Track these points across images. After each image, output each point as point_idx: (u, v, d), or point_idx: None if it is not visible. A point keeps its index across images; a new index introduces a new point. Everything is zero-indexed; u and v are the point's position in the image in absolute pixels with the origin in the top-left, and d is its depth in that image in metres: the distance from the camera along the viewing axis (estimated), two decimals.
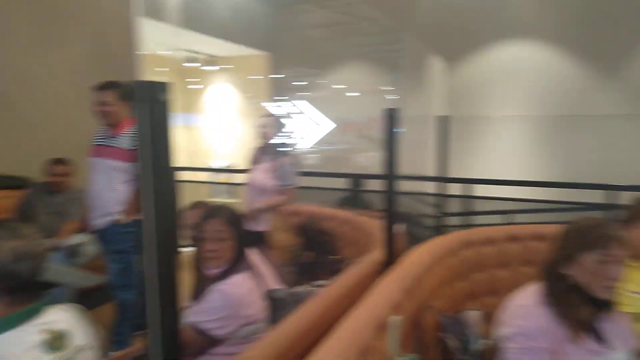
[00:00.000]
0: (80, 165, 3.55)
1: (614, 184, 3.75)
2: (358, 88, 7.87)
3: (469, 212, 3.81)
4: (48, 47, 4.09)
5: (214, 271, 1.66)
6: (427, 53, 6.81)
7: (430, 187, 3.10)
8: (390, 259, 1.58)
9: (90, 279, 2.71)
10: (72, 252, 2.95)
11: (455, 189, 4.07)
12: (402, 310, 1.36)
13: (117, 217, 2.64)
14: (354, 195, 4.20)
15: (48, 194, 3.42)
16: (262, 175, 2.95)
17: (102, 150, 2.71)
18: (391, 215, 1.55)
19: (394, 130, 1.49)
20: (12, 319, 0.97)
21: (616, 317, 1.37)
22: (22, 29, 3.88)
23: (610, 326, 1.35)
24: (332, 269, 2.47)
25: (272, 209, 2.90)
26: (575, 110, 5.87)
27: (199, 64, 7.74)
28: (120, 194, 2.65)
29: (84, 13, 4.44)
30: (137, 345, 1.96)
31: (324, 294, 1.35)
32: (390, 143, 1.49)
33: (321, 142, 8.01)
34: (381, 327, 1.19)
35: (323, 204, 3.51)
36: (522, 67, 6.03)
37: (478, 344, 1.36)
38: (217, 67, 7.90)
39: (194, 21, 5.75)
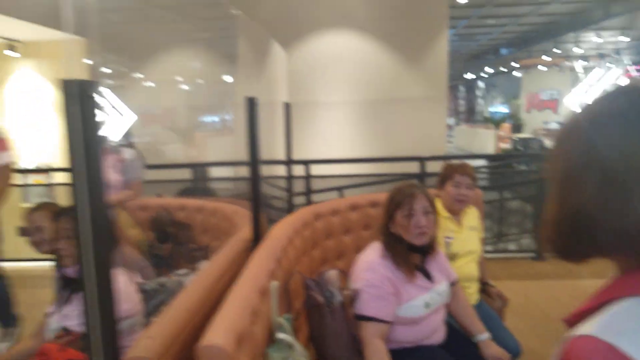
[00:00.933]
0: None
1: (423, 156, 4.48)
2: (187, 77, 7.67)
3: (312, 191, 4.16)
4: None
5: (70, 271, 1.60)
6: (264, 40, 6.92)
7: (279, 170, 3.31)
8: (257, 237, 1.73)
9: None
10: None
11: (299, 170, 4.39)
12: (276, 277, 1.53)
13: None
14: (195, 185, 4.22)
15: None
16: (106, 171, 2.79)
17: None
18: (257, 198, 1.69)
19: (254, 118, 1.63)
20: None
21: (437, 257, 1.77)
22: None
23: (433, 264, 1.74)
24: (192, 257, 2.52)
25: (118, 205, 2.78)
26: (390, 94, 6.74)
27: None
28: None
29: None
30: None
31: (204, 272, 1.44)
32: (252, 130, 1.63)
33: (128, 135, 7.62)
34: (263, 293, 1.34)
35: (163, 196, 3.47)
36: (347, 56, 6.65)
37: (339, 296, 1.61)
38: (17, 55, 6.86)
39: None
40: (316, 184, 4.76)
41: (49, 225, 1.87)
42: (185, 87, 7.88)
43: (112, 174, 2.79)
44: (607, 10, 11.67)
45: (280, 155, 3.07)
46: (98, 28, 7.01)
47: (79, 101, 0.68)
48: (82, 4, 6.75)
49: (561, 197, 0.57)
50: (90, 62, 7.18)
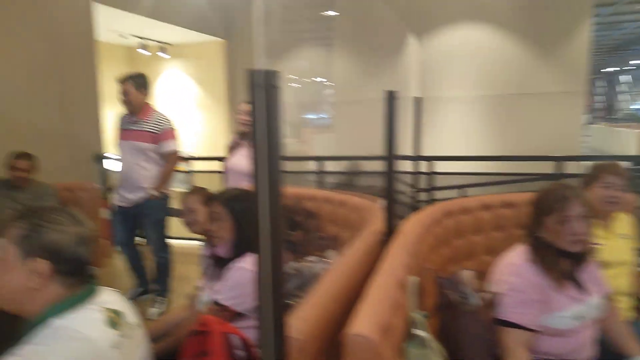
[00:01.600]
0: (43, 160, 3.46)
1: (557, 155, 4.10)
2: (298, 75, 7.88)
3: (435, 188, 4.06)
4: (2, 37, 3.90)
5: (220, 250, 1.75)
6: (405, 32, 6.84)
7: (403, 166, 3.28)
8: (390, 231, 1.74)
9: None
10: None
11: (422, 166, 4.31)
12: (411, 272, 1.53)
13: (149, 192, 3.08)
14: (347, 179, 4.33)
15: (11, 190, 3.31)
16: (243, 160, 3.02)
17: (128, 134, 3.08)
18: (391, 192, 1.70)
19: (393, 112, 1.63)
20: (78, 297, 1.03)
21: (590, 266, 1.61)
22: None
23: (586, 275, 1.58)
24: (321, 245, 2.61)
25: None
26: (520, 89, 6.29)
27: (149, 52, 7.51)
28: (148, 171, 3.08)
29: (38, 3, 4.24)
30: None
31: (342, 261, 1.48)
32: (390, 125, 1.63)
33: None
34: (401, 287, 1.34)
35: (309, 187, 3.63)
36: (478, 49, 6.36)
37: (476, 298, 1.55)
38: (167, 56, 7.67)
39: (147, 7, 5.60)
40: (439, 182, 4.63)
41: (201, 208, 2.08)
42: (295, 85, 8.15)
43: (247, 163, 3.01)
44: None
45: (405, 150, 3.04)
46: (239, 31, 7.59)
47: (264, 90, 0.73)
48: (227, 9, 7.36)
49: None
50: (232, 63, 7.72)
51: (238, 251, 1.69)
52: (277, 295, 0.86)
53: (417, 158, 2.77)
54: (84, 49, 4.67)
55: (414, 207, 3.51)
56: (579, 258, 1.55)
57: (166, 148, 3.07)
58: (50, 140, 4.29)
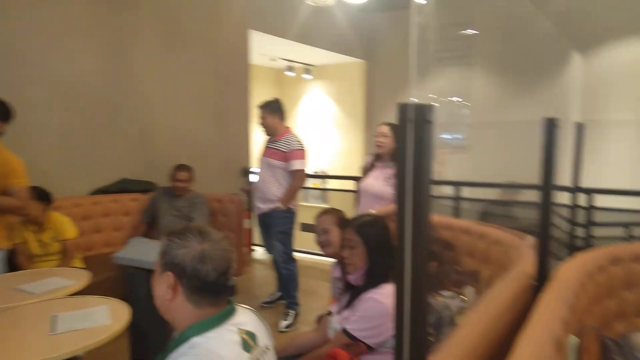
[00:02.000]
0: (198, 172, 3.84)
1: None
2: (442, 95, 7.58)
3: (600, 224, 3.54)
4: (170, 60, 4.46)
5: (352, 277, 1.70)
6: (565, 48, 6.25)
7: (561, 198, 2.91)
8: (543, 276, 1.51)
9: None
10: None
11: (579, 200, 3.79)
12: (569, 329, 1.30)
13: (277, 204, 3.38)
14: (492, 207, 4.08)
15: (172, 198, 3.71)
16: (376, 182, 2.97)
17: (266, 151, 3.48)
18: (546, 229, 1.48)
19: (553, 140, 1.43)
20: (217, 317, 1.06)
21: None
22: (148, 47, 4.26)
23: None
24: (458, 280, 2.42)
25: (386, 215, 2.91)
26: None
27: (294, 73, 7.95)
28: (277, 186, 3.39)
29: (203, 28, 4.78)
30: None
31: (485, 305, 1.32)
32: (548, 153, 1.43)
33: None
34: (558, 348, 1.13)
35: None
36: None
37: None
38: (310, 77, 8.04)
39: (295, 32, 5.95)
40: (598, 219, 4.02)
41: (334, 229, 2.07)
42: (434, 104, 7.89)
43: (383, 187, 2.95)
44: None
45: (560, 181, 2.68)
46: (378, 52, 7.67)
47: (414, 124, 0.67)
48: (368, 30, 7.50)
49: None
50: (373, 84, 7.80)
51: (370, 280, 1.63)
52: (417, 331, 0.77)
53: (575, 190, 2.41)
54: (239, 72, 5.13)
55: (572, 247, 3.07)
56: None
57: (293, 166, 3.35)
58: (206, 154, 4.76)
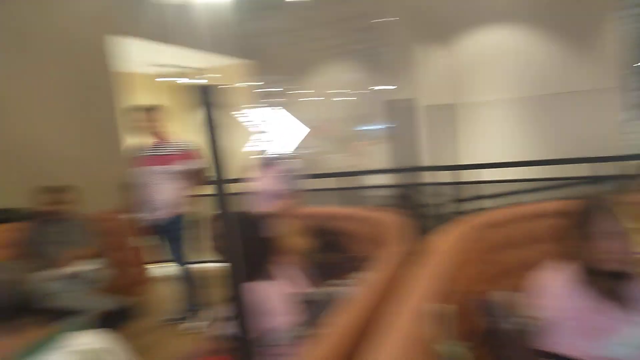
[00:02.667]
0: (73, 191, 3.54)
1: (599, 155, 3.85)
2: (341, 88, 7.85)
3: (469, 198, 3.90)
4: (22, 74, 4.06)
5: None
6: (411, 42, 6.79)
7: (426, 177, 3.15)
8: (417, 249, 1.62)
9: (107, 303, 2.77)
10: (84, 278, 3.03)
11: (443, 176, 4.13)
12: (442, 298, 1.41)
13: (172, 211, 3.28)
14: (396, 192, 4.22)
15: (48, 223, 3.37)
16: (269, 181, 2.99)
17: (157, 159, 3.28)
18: (415, 206, 1.59)
19: (411, 120, 1.53)
20: (33, 346, 1.03)
21: (638, 282, 1.43)
22: None
23: (634, 293, 1.41)
24: (348, 268, 2.50)
25: (285, 213, 2.94)
26: (556, 89, 6.03)
27: (173, 78, 7.66)
28: (176, 190, 3.27)
29: (55, 38, 4.40)
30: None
31: (367, 287, 1.39)
32: (412, 136, 1.53)
33: (300, 147, 8.02)
34: (430, 316, 1.22)
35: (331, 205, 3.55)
36: (503, 51, 6.16)
37: (511, 323, 1.41)
38: (186, 80, 7.81)
39: (171, 35, 5.73)
40: (474, 191, 4.43)
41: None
42: (341, 98, 8.14)
43: (277, 184, 2.97)
44: None
45: (439, 160, 2.92)
46: (259, 51, 7.67)
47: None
48: (244, 31, 7.45)
49: None
50: (259, 83, 7.79)
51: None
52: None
53: (434, 168, 2.63)
54: (104, 81, 4.82)
55: (445, 220, 3.34)
56: (624, 275, 1.39)
57: (194, 165, 3.23)
58: (78, 171, 4.38)
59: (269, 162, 3.07)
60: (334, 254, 2.53)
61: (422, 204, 3.78)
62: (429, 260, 1.55)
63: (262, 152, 3.09)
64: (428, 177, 3.57)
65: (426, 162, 3.72)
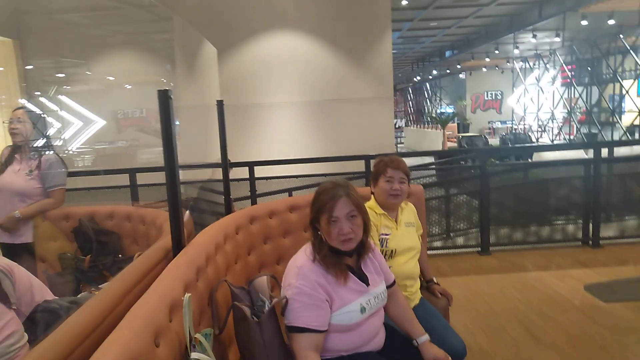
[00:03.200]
0: None
1: (370, 154, 4.44)
2: (130, 80, 7.33)
3: (258, 195, 4.03)
4: None
5: None
6: (199, 42, 6.80)
7: (220, 174, 3.16)
8: (178, 245, 1.57)
9: None
10: None
11: (244, 173, 4.23)
12: (196, 289, 1.39)
13: None
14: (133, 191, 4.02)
15: None
16: (17, 178, 2.54)
17: None
18: (174, 201, 1.54)
19: (169, 115, 1.47)
20: None
21: (373, 258, 1.67)
22: None
23: (369, 266, 1.63)
24: (120, 269, 2.31)
25: (36, 215, 2.54)
26: (338, 95, 6.70)
27: None
28: None
29: None
30: None
31: (105, 289, 1.27)
32: (165, 129, 1.47)
33: (94, 141, 7.22)
34: (174, 308, 1.19)
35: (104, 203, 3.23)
36: (291, 57, 6.57)
37: (267, 305, 1.48)
38: None
39: None
40: (265, 187, 4.61)
41: None
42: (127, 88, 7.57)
43: (28, 182, 2.54)
44: (541, 12, 12.21)
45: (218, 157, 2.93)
46: (30, 30, 6.57)
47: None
48: (11, 5, 6.30)
49: None
50: (29, 66, 6.74)
51: None
52: None
53: (224, 165, 2.67)
54: None
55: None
56: (353, 254, 1.59)
57: None
58: None
59: (17, 156, 2.61)
60: (98, 257, 2.31)
61: (201, 199, 3.77)
62: (187, 252, 1.52)
63: (16, 144, 2.61)
64: (217, 174, 3.57)
65: (215, 158, 3.71)
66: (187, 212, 2.60)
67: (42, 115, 2.73)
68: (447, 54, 21.21)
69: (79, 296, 1.79)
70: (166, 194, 1.55)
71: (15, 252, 2.49)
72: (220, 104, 2.60)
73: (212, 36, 6.65)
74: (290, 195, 4.43)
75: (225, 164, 2.77)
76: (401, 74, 32.04)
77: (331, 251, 1.52)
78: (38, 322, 1.50)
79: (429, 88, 32.35)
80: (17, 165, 2.56)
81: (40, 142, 2.65)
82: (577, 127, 19.82)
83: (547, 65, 21.93)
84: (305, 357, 1.40)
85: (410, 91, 34.82)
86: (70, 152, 6.95)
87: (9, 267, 1.73)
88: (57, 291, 2.02)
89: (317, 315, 1.45)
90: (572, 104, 20.23)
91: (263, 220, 2.26)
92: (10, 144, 2.63)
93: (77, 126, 6.92)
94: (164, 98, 1.48)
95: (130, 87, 7.28)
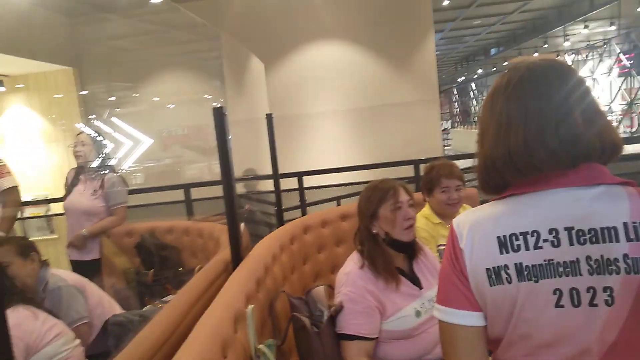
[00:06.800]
0: None
1: (418, 158, 4.38)
2: (176, 99, 7.60)
3: (307, 204, 4.07)
4: None
5: None
6: (247, 57, 6.95)
7: (270, 186, 3.23)
8: (237, 257, 1.61)
9: None
10: None
11: (292, 184, 4.28)
12: (257, 300, 1.41)
13: None
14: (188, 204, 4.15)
15: None
16: (82, 198, 2.69)
17: None
18: (232, 215, 1.58)
19: (224, 130, 1.52)
20: None
21: (426, 259, 1.64)
22: None
23: (423, 269, 1.60)
24: (181, 282, 2.40)
25: (102, 232, 2.67)
26: (382, 100, 6.68)
27: None
28: None
29: None
30: None
31: (172, 303, 1.32)
32: (222, 144, 1.52)
33: (143, 159, 7.52)
34: (239, 319, 1.21)
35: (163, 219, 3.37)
36: (334, 66, 6.62)
37: (325, 314, 1.48)
38: (3, 88, 6.78)
39: None
40: (314, 197, 4.64)
41: (17, 260, 1.76)
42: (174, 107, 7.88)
43: (93, 201, 2.69)
44: (592, 1, 11.65)
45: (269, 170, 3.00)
46: (97, 58, 6.99)
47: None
48: (69, 35, 6.73)
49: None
50: (85, 92, 7.14)
51: None
52: None
53: (275, 176, 2.71)
54: None
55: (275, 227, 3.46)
56: (411, 249, 1.57)
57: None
58: None
59: (82, 177, 2.76)
60: (160, 270, 2.40)
61: (255, 211, 3.84)
62: (246, 264, 1.55)
63: (80, 166, 2.77)
64: (269, 185, 3.65)
65: (265, 170, 3.78)
66: (242, 224, 2.67)
67: (101, 138, 2.88)
68: (493, 51, 20.61)
69: (144, 309, 1.87)
70: (223, 207, 1.60)
71: (85, 268, 2.63)
72: (269, 117, 2.65)
73: (259, 51, 6.81)
74: (338, 203, 4.43)
75: (276, 175, 2.82)
76: (445, 75, 31.50)
77: (391, 245, 1.51)
78: (109, 335, 1.58)
79: (474, 88, 31.59)
80: (82, 185, 2.72)
81: (102, 163, 2.79)
82: (638, 119, 18.66)
83: (602, 56, 20.85)
84: None
85: (455, 92, 34.12)
86: (124, 170, 7.27)
87: (81, 283, 1.83)
88: (124, 305, 2.12)
89: (366, 322, 1.44)
90: (632, 95, 19.09)
91: (316, 230, 2.28)
92: (74, 166, 2.80)
93: (128, 146, 7.24)
94: (219, 115, 1.53)
95: (173, 106, 7.54)
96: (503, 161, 0.79)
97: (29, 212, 6.34)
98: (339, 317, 1.47)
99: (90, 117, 7.19)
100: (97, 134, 2.89)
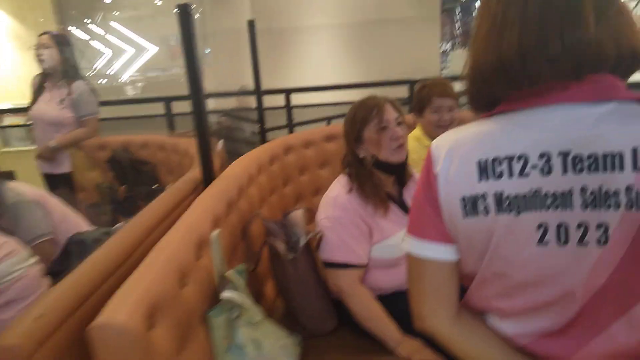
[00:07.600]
0: None
1: (416, 78, 4.14)
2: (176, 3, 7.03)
3: (295, 124, 3.89)
4: None
5: None
6: None
7: (253, 102, 3.01)
8: (209, 177, 1.48)
9: None
10: None
11: (280, 101, 4.06)
12: (226, 223, 1.30)
13: None
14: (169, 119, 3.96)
15: None
16: (48, 107, 2.49)
17: None
18: (203, 132, 1.42)
19: (191, 34, 1.32)
20: None
21: (415, 185, 1.52)
22: None
23: (411, 195, 1.49)
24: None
25: (72, 145, 2.51)
26: (376, 14, 6.25)
27: None
28: None
29: None
30: None
31: (130, 224, 1.20)
32: (189, 51, 1.32)
33: (146, 69, 7.08)
34: (203, 245, 1.11)
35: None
36: None
37: (302, 240, 1.38)
38: None
39: None
40: (302, 115, 4.44)
41: None
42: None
43: (60, 111, 2.49)
44: None
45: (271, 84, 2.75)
46: None
47: None
48: None
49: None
50: None
51: None
52: None
53: (257, 92, 2.49)
54: None
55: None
56: (401, 172, 1.45)
57: None
58: None
59: (47, 84, 2.54)
60: (133, 187, 2.29)
61: (235, 128, 3.66)
62: (217, 185, 1.43)
63: (44, 70, 2.53)
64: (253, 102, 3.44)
65: (252, 85, 3.56)
66: (221, 141, 2.52)
67: (68, 40, 2.60)
68: None
69: (113, 227, 1.77)
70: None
71: (56, 182, 2.50)
72: (251, 24, 2.40)
73: None
74: (328, 124, 4.25)
75: (259, 92, 2.62)
76: None
77: (379, 167, 1.39)
78: (71, 254, 1.48)
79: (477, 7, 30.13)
80: (48, 94, 2.51)
81: (71, 69, 2.55)
82: None
83: None
84: (354, 293, 1.33)
85: (459, 10, 32.59)
86: (122, 81, 6.89)
87: (41, 197, 1.70)
88: (95, 222, 2.01)
89: (357, 249, 1.35)
90: None
91: (299, 151, 2.14)
92: (40, 71, 2.56)
93: (129, 53, 6.81)
94: (185, 14, 1.32)
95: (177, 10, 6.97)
96: (492, 69, 0.66)
97: (8, 121, 6.07)
98: (324, 244, 1.37)
99: (84, 20, 6.61)
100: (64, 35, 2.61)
